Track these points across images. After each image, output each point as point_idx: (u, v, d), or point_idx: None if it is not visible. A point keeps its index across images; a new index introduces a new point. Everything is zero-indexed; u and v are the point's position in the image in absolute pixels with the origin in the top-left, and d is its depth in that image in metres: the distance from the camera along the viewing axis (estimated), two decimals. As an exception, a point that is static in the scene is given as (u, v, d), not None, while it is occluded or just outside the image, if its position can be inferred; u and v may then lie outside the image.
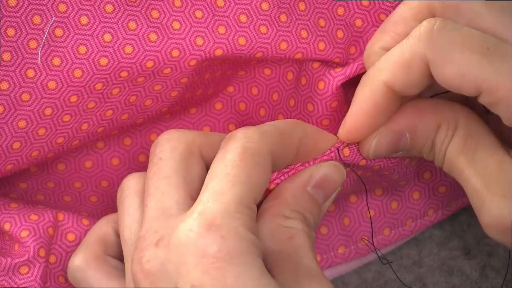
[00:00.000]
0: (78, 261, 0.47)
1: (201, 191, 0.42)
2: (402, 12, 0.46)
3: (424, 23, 0.43)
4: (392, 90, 0.44)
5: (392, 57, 0.44)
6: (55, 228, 0.49)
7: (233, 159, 0.42)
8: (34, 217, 0.49)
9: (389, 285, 0.55)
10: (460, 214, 0.55)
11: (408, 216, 0.54)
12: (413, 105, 0.46)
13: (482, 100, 0.42)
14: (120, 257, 0.48)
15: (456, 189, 0.54)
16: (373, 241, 0.52)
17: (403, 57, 0.43)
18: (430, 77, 0.43)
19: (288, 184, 0.46)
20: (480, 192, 0.43)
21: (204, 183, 0.43)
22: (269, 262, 0.43)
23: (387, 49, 0.45)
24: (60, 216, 0.50)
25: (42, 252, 0.48)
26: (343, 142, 0.47)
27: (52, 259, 0.49)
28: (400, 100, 0.45)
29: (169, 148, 0.46)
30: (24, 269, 0.48)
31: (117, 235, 0.48)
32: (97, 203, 0.53)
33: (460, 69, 0.41)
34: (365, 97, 0.44)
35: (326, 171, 0.46)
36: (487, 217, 0.43)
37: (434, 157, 0.46)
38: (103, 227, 0.49)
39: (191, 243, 0.40)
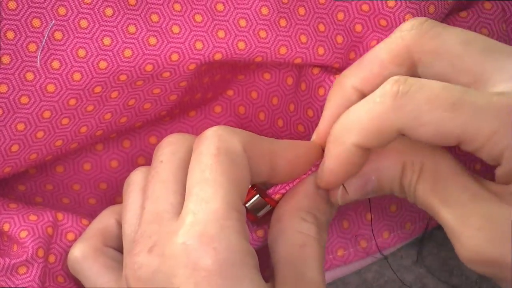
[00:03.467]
0: (77, 252, 0.48)
1: (185, 197, 0.42)
2: (380, 53, 0.45)
3: (387, 87, 0.42)
4: (363, 148, 0.43)
5: (361, 121, 0.43)
6: (55, 227, 0.49)
7: (209, 163, 0.42)
8: (33, 217, 0.49)
9: (389, 285, 0.55)
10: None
11: (407, 219, 0.54)
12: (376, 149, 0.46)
13: (464, 148, 0.42)
14: (122, 249, 0.48)
15: None
16: (374, 234, 0.52)
17: (373, 124, 0.42)
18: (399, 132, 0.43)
19: (300, 187, 0.46)
20: (455, 228, 0.42)
21: (187, 187, 0.43)
22: (276, 270, 0.44)
23: (357, 90, 0.45)
24: (60, 216, 0.50)
25: (41, 252, 0.48)
26: None
27: (52, 258, 0.49)
28: (368, 154, 0.45)
29: (169, 151, 0.46)
30: (22, 269, 0.48)
31: (120, 226, 0.48)
32: (96, 205, 0.53)
33: (434, 128, 0.41)
34: (339, 156, 0.44)
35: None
36: (465, 252, 0.42)
37: (406, 196, 0.46)
38: (105, 218, 0.49)
39: (183, 255, 0.40)
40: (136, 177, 0.47)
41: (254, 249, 0.42)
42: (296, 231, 0.45)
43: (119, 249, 0.49)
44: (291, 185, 0.47)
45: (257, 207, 0.47)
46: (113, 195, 0.54)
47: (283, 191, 0.47)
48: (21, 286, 0.48)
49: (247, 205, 0.47)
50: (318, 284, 0.43)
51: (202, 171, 0.42)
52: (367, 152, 0.44)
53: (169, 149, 0.46)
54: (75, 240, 0.50)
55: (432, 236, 0.55)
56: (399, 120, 0.42)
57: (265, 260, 0.45)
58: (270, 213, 0.47)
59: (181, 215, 0.42)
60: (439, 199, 0.43)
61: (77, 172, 0.53)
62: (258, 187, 0.47)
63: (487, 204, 0.42)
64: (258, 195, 0.47)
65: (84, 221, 0.50)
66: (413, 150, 0.45)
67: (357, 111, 0.43)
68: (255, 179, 0.45)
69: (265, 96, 0.53)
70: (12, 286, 0.48)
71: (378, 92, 0.43)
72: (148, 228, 0.42)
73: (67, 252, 0.49)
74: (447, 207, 0.43)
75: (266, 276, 0.44)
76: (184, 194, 0.44)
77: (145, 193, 0.45)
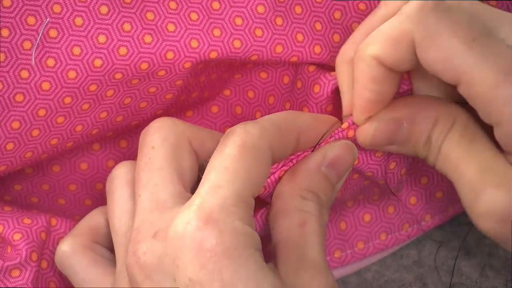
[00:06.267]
0: (65, 247, 0.47)
1: (199, 184, 0.42)
2: (377, 25, 0.45)
3: (414, 1, 0.42)
4: (383, 65, 0.44)
5: (381, 32, 0.43)
6: (48, 233, 0.49)
7: (232, 154, 0.42)
8: (27, 220, 0.49)
9: (389, 285, 0.55)
10: (460, 214, 0.55)
11: (405, 221, 0.54)
12: (412, 98, 0.46)
13: (460, 90, 0.42)
14: (110, 248, 0.48)
15: (453, 195, 0.54)
16: (387, 183, 0.51)
17: (392, 33, 0.43)
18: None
19: (302, 165, 0.46)
20: (475, 183, 0.43)
21: (203, 176, 0.43)
22: (277, 250, 0.43)
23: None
24: (53, 221, 0.50)
25: (34, 256, 0.48)
26: (326, 141, 0.47)
27: (44, 264, 0.49)
28: (395, 75, 0.45)
29: (160, 137, 0.45)
30: (15, 272, 0.48)
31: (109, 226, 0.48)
32: (92, 207, 0.53)
33: (443, 56, 0.41)
34: (363, 73, 0.44)
35: (339, 151, 0.46)
36: (481, 207, 0.43)
37: (428, 153, 0.46)
38: (95, 217, 0.49)
39: (188, 236, 0.40)
40: (119, 171, 0.47)
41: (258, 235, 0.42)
42: (296, 209, 0.44)
43: (109, 248, 0.48)
44: (294, 161, 0.46)
45: None
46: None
47: (285, 168, 0.46)
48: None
49: None
50: (319, 264, 0.43)
51: (223, 159, 0.42)
52: (390, 73, 0.44)
53: (159, 134, 0.46)
54: None
55: (432, 236, 0.55)
56: (417, 32, 0.42)
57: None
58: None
59: (190, 200, 0.41)
60: (464, 152, 0.44)
61: (74, 172, 0.53)
62: None
63: (505, 165, 0.42)
64: None
65: None
66: (448, 107, 0.45)
67: (381, 26, 0.44)
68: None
69: (262, 95, 0.52)
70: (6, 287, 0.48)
71: (404, 7, 0.43)
72: (149, 215, 0.42)
73: None
74: (471, 159, 0.43)
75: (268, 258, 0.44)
76: (181, 182, 0.44)
77: (138, 181, 0.45)
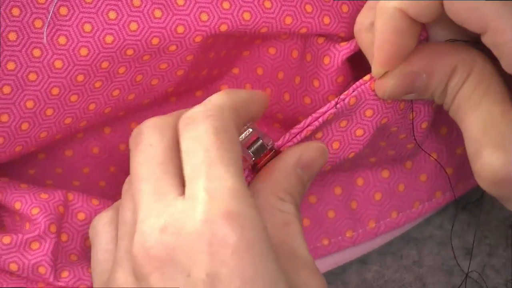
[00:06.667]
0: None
1: (190, 177, 0.41)
2: None
3: None
4: (407, 15, 0.44)
5: None
6: (66, 207, 0.49)
7: (212, 141, 0.41)
8: (44, 195, 0.49)
9: (389, 285, 0.55)
10: (460, 214, 0.56)
11: (415, 199, 0.54)
12: (430, 47, 0.46)
13: (486, 39, 0.42)
14: None
15: (463, 171, 0.54)
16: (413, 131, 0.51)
17: None
18: (442, 4, 0.43)
19: (279, 164, 0.46)
20: (477, 140, 0.43)
21: (190, 169, 0.42)
22: None
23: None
24: (70, 196, 0.50)
25: (53, 228, 0.48)
26: (348, 94, 0.47)
27: (64, 237, 0.49)
28: (417, 28, 0.45)
29: (156, 135, 0.44)
30: (35, 245, 0.48)
31: None
32: (106, 188, 0.53)
33: (471, 3, 0.41)
34: (385, 25, 0.44)
35: (314, 153, 0.47)
36: (479, 166, 0.43)
37: (444, 100, 0.46)
38: None
39: (207, 232, 0.39)
40: (101, 221, 0.46)
41: None
42: (277, 210, 0.44)
43: None
44: (300, 136, 0.47)
45: (258, 150, 0.47)
46: (123, 177, 0.53)
47: (290, 143, 0.47)
48: (34, 261, 0.48)
49: (250, 150, 0.46)
50: (311, 260, 0.43)
51: (206, 150, 0.41)
52: (412, 24, 0.44)
53: (155, 132, 0.44)
54: (85, 219, 0.50)
55: (432, 236, 0.55)
56: None
57: None
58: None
59: (191, 194, 0.41)
60: (473, 105, 0.44)
61: (86, 156, 0.53)
62: (255, 127, 0.46)
63: (510, 125, 0.43)
64: (260, 140, 0.46)
65: (95, 201, 0.50)
66: (467, 54, 0.45)
67: None
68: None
69: (271, 71, 0.53)
70: (25, 261, 0.48)
71: None
72: (152, 207, 0.41)
73: (78, 232, 0.49)
74: (479, 114, 0.44)
75: None
76: (181, 177, 0.43)
77: (137, 177, 0.43)
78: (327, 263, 0.54)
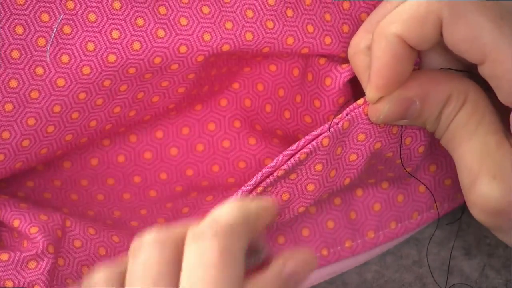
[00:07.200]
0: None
1: None
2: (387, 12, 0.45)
3: None
4: (405, 43, 0.44)
5: (406, 11, 0.43)
6: (63, 232, 0.49)
7: (214, 260, 0.39)
8: (43, 217, 0.49)
9: (389, 285, 0.55)
10: (460, 214, 0.56)
11: (414, 209, 0.54)
12: (425, 74, 0.46)
13: (484, 69, 0.42)
14: None
15: None
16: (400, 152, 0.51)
17: (419, 11, 0.43)
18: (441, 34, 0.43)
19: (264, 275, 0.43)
20: (473, 169, 0.43)
21: (186, 282, 0.40)
22: None
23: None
24: (68, 222, 0.49)
25: (51, 249, 0.48)
26: (342, 117, 0.47)
27: (61, 261, 0.49)
28: (414, 55, 0.45)
29: (156, 250, 0.41)
30: (32, 264, 0.48)
31: None
32: (104, 201, 0.53)
33: (471, 33, 0.41)
34: (384, 51, 0.44)
35: (297, 267, 0.42)
36: (475, 196, 0.43)
37: (436, 128, 0.46)
38: None
39: None
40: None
41: None
42: None
43: None
44: (294, 159, 0.47)
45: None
46: (120, 191, 0.54)
47: (285, 167, 0.47)
48: (29, 279, 0.48)
49: None
50: None
51: (207, 267, 0.39)
52: (411, 51, 0.44)
53: (154, 248, 0.41)
54: (82, 247, 0.49)
55: (432, 236, 0.56)
56: (446, 9, 0.42)
57: None
58: None
59: None
60: (468, 134, 0.44)
61: (84, 168, 0.53)
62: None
63: (506, 155, 0.42)
64: None
65: (91, 231, 0.50)
66: (461, 83, 0.45)
67: (406, 4, 0.43)
68: None
69: (271, 88, 0.53)
70: (21, 280, 0.48)
71: None
72: None
73: (75, 258, 0.49)
74: (474, 143, 0.44)
75: None
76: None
77: None
78: (325, 273, 0.54)
